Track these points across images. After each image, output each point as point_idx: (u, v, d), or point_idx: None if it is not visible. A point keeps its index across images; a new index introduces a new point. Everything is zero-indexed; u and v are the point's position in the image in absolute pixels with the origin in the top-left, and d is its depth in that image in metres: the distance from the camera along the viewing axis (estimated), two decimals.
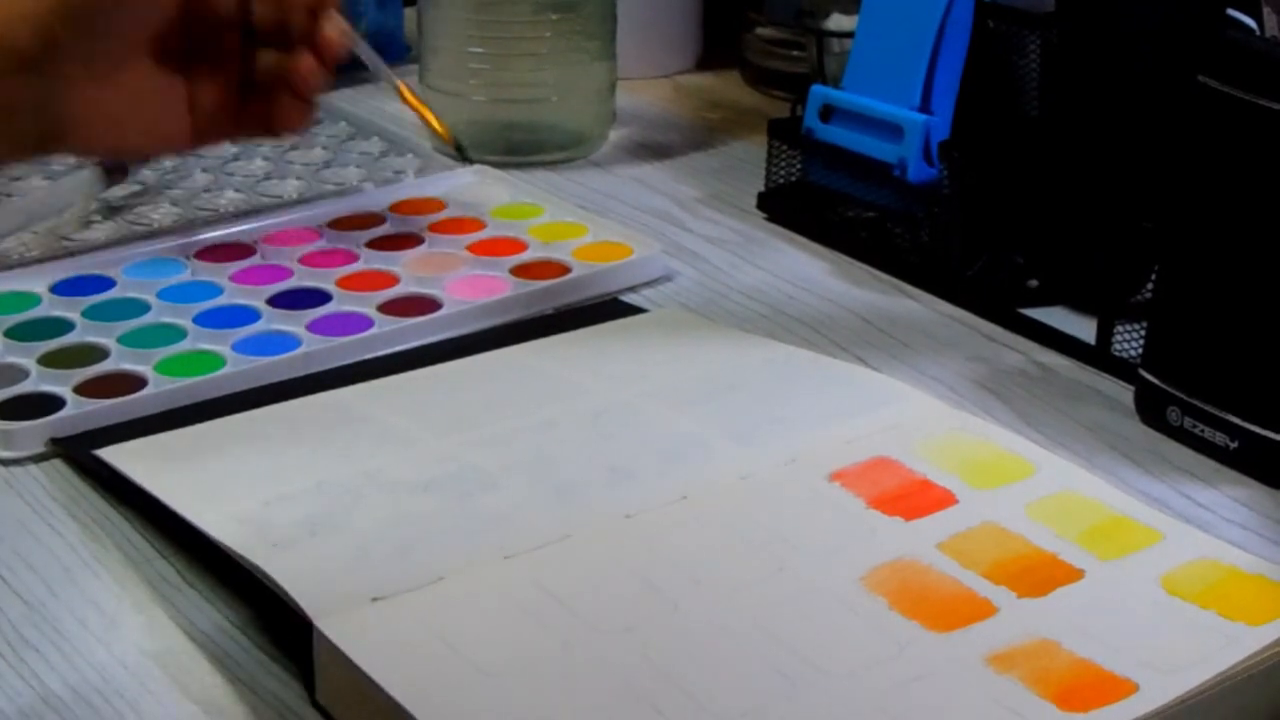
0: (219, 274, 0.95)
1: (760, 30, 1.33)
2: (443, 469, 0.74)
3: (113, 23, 0.82)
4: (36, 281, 0.94)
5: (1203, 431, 0.81)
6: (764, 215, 1.09)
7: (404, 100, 1.03)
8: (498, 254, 0.99)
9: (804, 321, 0.94)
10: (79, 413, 0.81)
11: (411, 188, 1.08)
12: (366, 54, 0.95)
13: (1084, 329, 0.91)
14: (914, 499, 0.73)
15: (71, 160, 1.11)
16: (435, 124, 1.00)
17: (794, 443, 0.77)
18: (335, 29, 0.89)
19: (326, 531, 0.69)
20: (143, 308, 0.92)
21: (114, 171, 1.05)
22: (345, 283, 0.95)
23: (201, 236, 1.00)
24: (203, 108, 0.88)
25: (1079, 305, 0.94)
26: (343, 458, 0.75)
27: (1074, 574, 0.68)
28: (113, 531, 0.74)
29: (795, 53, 1.29)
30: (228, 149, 1.14)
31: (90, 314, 0.91)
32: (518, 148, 1.16)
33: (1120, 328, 0.88)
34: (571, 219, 1.04)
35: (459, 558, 0.68)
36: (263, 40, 0.89)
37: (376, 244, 1.00)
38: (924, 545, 0.70)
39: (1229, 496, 0.78)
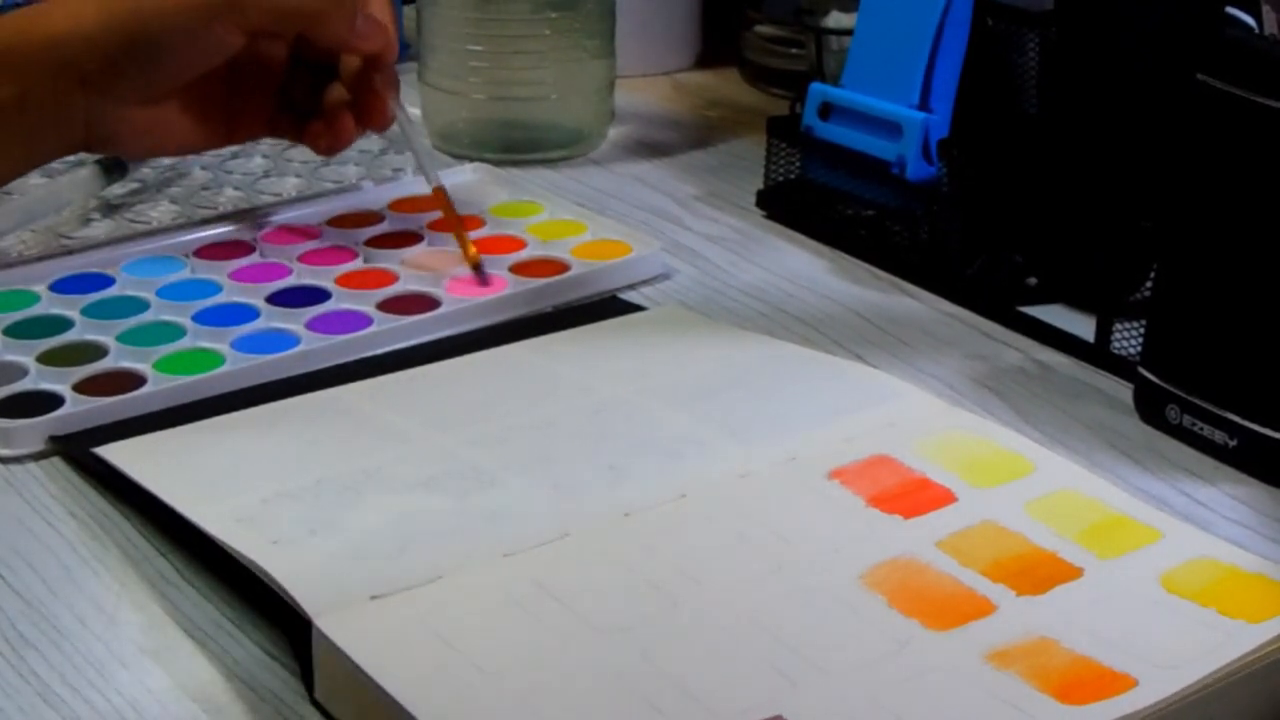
0: (218, 272, 0.95)
1: (759, 28, 1.33)
2: (442, 467, 0.74)
3: (174, 61, 0.86)
4: (35, 279, 0.94)
5: (1202, 429, 0.81)
6: (763, 213, 1.09)
7: (441, 206, 1.00)
8: (497, 252, 0.99)
9: (803, 319, 0.94)
10: (78, 411, 0.81)
11: (410, 186, 1.08)
12: (412, 135, 0.98)
13: (1083, 327, 0.91)
14: (913, 497, 0.73)
15: (71, 158, 1.11)
16: (465, 243, 0.97)
17: (793, 441, 0.77)
18: (383, 99, 0.94)
19: (325, 529, 0.69)
20: (142, 306, 0.92)
21: (113, 169, 1.05)
22: (344, 280, 0.95)
23: (200, 234, 1.00)
24: (240, 116, 0.94)
25: (1078, 303, 0.94)
26: (342, 455, 0.75)
27: (1073, 572, 0.68)
28: (111, 529, 0.74)
29: (794, 50, 1.29)
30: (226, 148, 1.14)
31: (89, 312, 0.91)
32: (517, 146, 1.16)
33: (1119, 326, 0.88)
34: (570, 217, 1.04)
35: (458, 556, 0.68)
36: (310, 70, 0.95)
37: (375, 242, 1.00)
38: (923, 543, 0.70)
39: (1228, 494, 0.78)
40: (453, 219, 0.98)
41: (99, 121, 0.87)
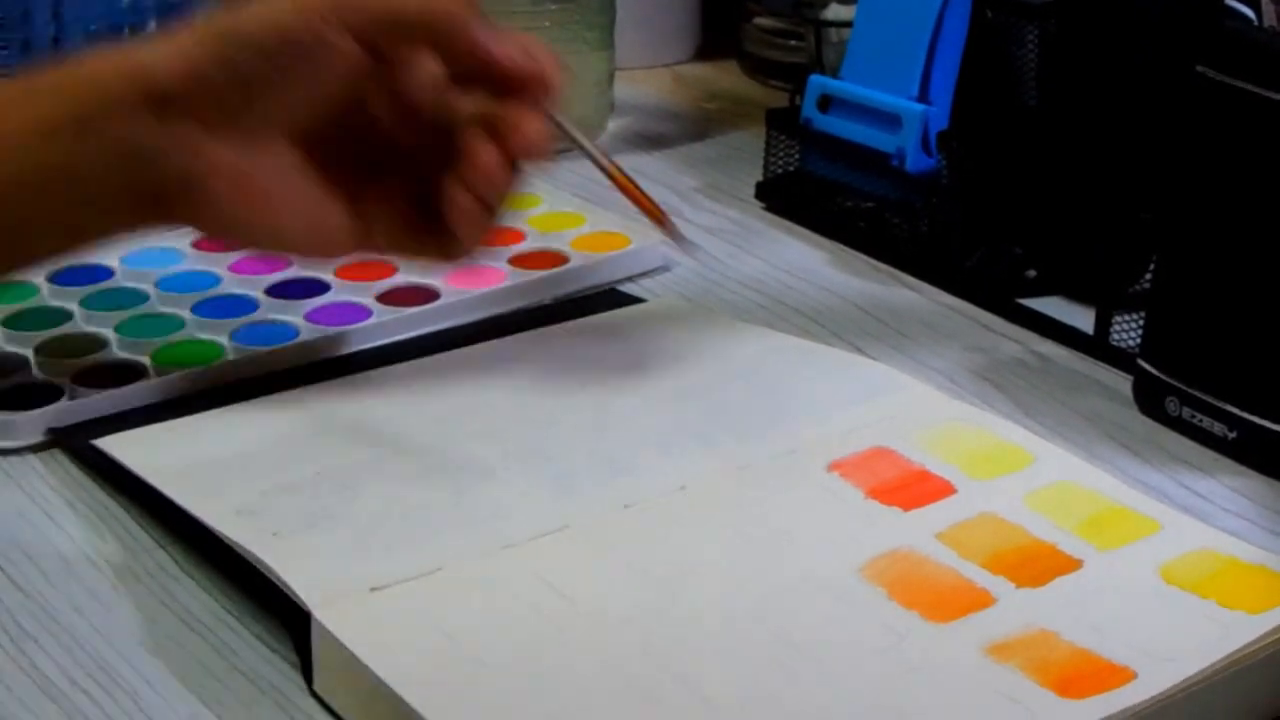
0: (217, 263, 0.95)
1: (759, 20, 1.33)
2: (441, 459, 0.74)
3: (275, 74, 0.73)
4: (35, 271, 0.94)
5: (1201, 421, 0.81)
6: (762, 205, 1.09)
7: (619, 186, 0.82)
8: (495, 244, 0.99)
9: (802, 311, 0.94)
10: (77, 402, 0.81)
11: None
12: (575, 136, 0.79)
13: (1082, 319, 0.91)
14: (912, 489, 0.73)
15: None
16: (653, 210, 0.82)
17: (792, 433, 0.77)
18: (536, 122, 0.75)
19: (325, 521, 0.69)
20: (141, 297, 0.92)
21: None
22: (343, 272, 0.94)
23: None
24: (368, 211, 0.78)
25: (1077, 295, 0.94)
26: (341, 448, 0.75)
27: (1072, 564, 0.68)
28: (111, 521, 0.74)
29: (793, 43, 1.29)
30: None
31: (88, 303, 0.90)
32: None
33: (1119, 318, 0.88)
34: (569, 209, 1.04)
35: (457, 548, 0.68)
36: (451, 125, 0.77)
37: None
38: (922, 535, 0.70)
39: (1227, 486, 0.78)
40: (636, 191, 0.82)
41: (173, 159, 0.72)
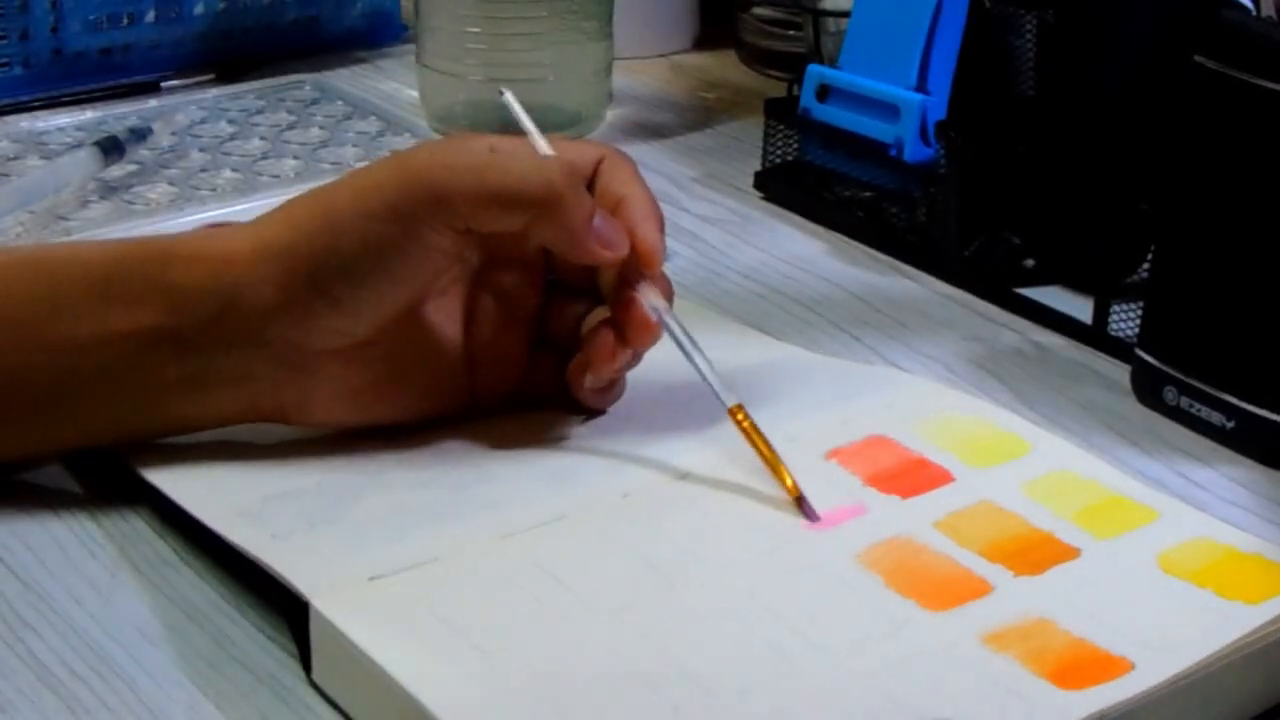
0: None
1: (757, 10, 1.33)
2: (442, 468, 0.74)
3: (378, 280, 0.71)
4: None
5: (1199, 411, 0.81)
6: (760, 195, 1.09)
7: (746, 436, 0.73)
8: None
9: (800, 301, 0.94)
10: None
11: None
12: (685, 343, 0.74)
13: (1080, 309, 0.91)
14: (910, 477, 0.73)
15: (68, 140, 1.11)
16: (785, 477, 0.71)
17: (791, 423, 0.76)
18: (643, 310, 0.73)
19: (326, 523, 0.69)
20: None
21: (111, 151, 1.05)
22: None
23: (199, 216, 1.00)
24: (484, 368, 0.76)
25: (1075, 285, 0.94)
26: (343, 457, 0.75)
27: (1070, 552, 0.68)
28: (109, 509, 0.74)
29: (792, 32, 1.29)
30: (224, 128, 1.14)
31: None
32: (514, 128, 1.16)
33: (1117, 307, 0.88)
34: None
35: (456, 537, 0.68)
36: (565, 287, 0.77)
37: None
38: (920, 523, 0.70)
39: (1225, 476, 0.78)
40: (765, 451, 0.73)
41: (282, 372, 0.72)
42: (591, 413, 0.78)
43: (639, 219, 0.74)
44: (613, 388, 0.77)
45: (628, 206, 0.74)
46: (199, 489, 0.72)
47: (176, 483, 0.72)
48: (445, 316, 0.75)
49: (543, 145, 0.77)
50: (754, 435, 0.72)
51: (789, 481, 0.71)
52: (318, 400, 0.73)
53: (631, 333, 0.74)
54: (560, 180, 0.72)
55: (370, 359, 0.73)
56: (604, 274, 0.75)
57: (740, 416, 0.73)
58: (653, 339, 0.74)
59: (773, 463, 0.72)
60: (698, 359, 0.74)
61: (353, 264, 0.70)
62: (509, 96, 0.81)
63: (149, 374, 0.71)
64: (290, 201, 0.73)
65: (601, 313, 0.75)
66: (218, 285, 0.70)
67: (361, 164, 1.08)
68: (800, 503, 0.70)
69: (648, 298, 0.74)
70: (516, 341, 0.77)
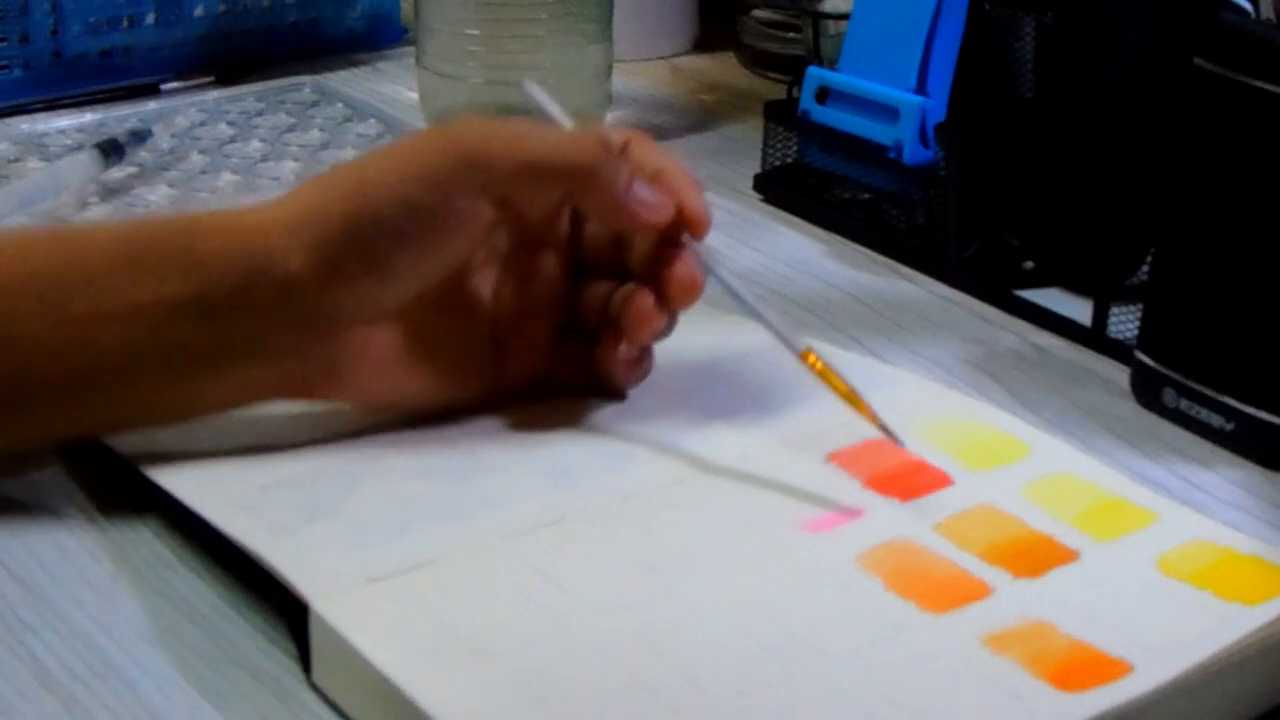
0: None
1: (756, 12, 1.33)
2: (438, 454, 0.74)
3: (411, 247, 0.70)
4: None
5: (1199, 413, 0.81)
6: (760, 197, 1.09)
7: (821, 376, 0.74)
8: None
9: (799, 303, 0.94)
10: None
11: None
12: (737, 290, 0.75)
13: (1080, 311, 0.91)
14: (910, 479, 0.73)
15: (68, 143, 1.11)
16: (865, 409, 0.72)
17: (791, 424, 0.77)
18: (688, 266, 0.73)
19: (324, 516, 0.69)
20: None
21: (111, 153, 1.05)
22: None
23: None
24: (511, 351, 0.76)
25: (1075, 287, 0.94)
26: (339, 444, 0.75)
27: (1069, 555, 0.68)
28: (109, 511, 0.74)
29: (791, 35, 1.29)
30: (224, 131, 1.14)
31: None
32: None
33: (1116, 309, 0.88)
34: None
35: (455, 539, 0.68)
36: (593, 271, 0.76)
37: None
38: (920, 526, 0.70)
39: (1225, 478, 0.78)
40: (842, 389, 0.73)
41: (310, 342, 0.71)
42: (615, 394, 0.77)
43: (682, 185, 0.74)
44: (643, 361, 0.77)
45: (668, 176, 0.74)
46: (194, 479, 0.72)
47: (172, 474, 0.72)
48: (474, 296, 0.75)
49: (570, 126, 0.78)
50: (829, 376, 0.73)
51: (869, 413, 0.72)
52: (345, 373, 0.73)
53: (675, 290, 0.73)
54: (597, 147, 0.72)
55: (398, 333, 0.73)
56: (637, 248, 0.75)
57: (813, 359, 0.73)
58: (695, 295, 0.74)
59: (852, 399, 0.72)
60: (761, 309, 0.74)
61: (389, 225, 0.69)
62: (534, 87, 0.81)
63: (175, 346, 0.70)
64: (321, 174, 0.73)
65: (632, 287, 0.75)
66: (246, 252, 0.70)
67: None
68: (885, 431, 0.72)
69: (697, 252, 0.74)
70: (543, 326, 0.76)
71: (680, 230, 0.74)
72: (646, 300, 0.74)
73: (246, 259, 0.70)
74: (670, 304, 0.74)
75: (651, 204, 0.72)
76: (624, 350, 0.75)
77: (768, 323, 0.74)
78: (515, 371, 0.76)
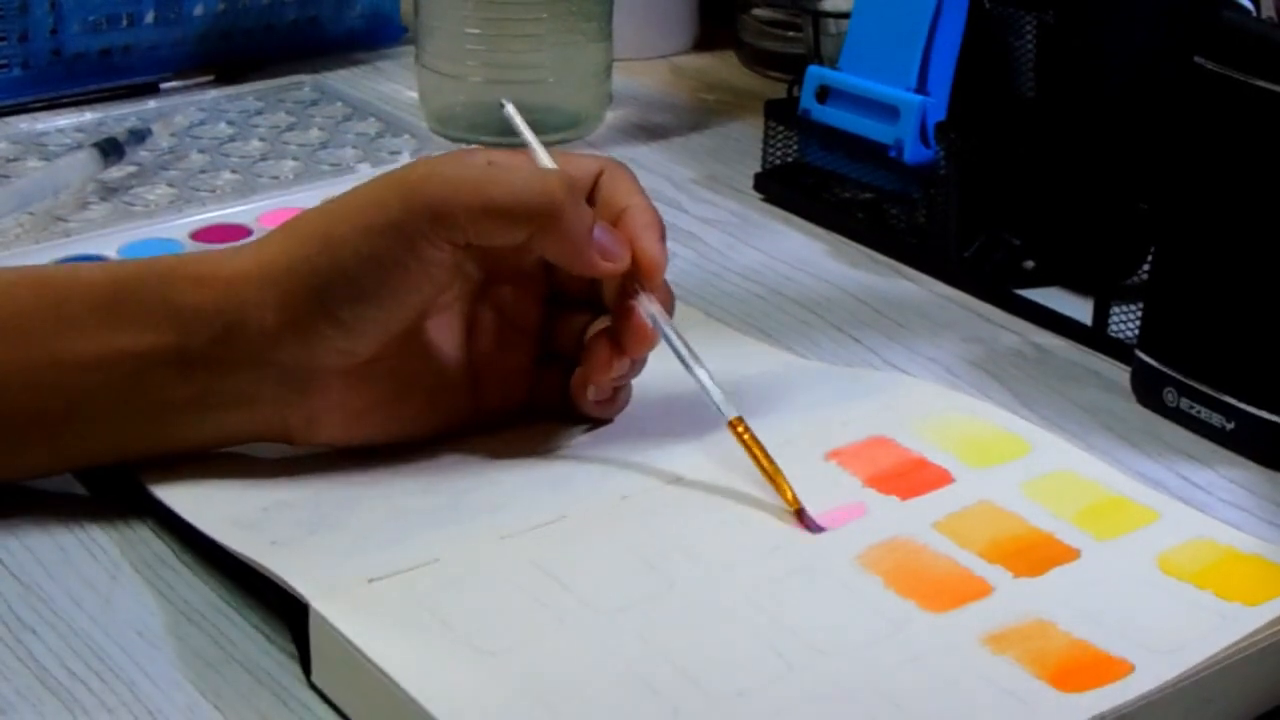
0: None
1: (757, 11, 1.33)
2: (440, 475, 0.73)
3: (378, 298, 0.71)
4: (34, 263, 0.94)
5: (1199, 412, 0.81)
6: (760, 196, 1.09)
7: (747, 449, 0.72)
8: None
9: (800, 302, 0.94)
10: None
11: None
12: (684, 354, 0.74)
13: (1080, 310, 0.91)
14: (910, 478, 0.73)
15: (67, 142, 1.11)
16: (786, 491, 0.71)
17: (790, 424, 0.77)
18: (641, 318, 0.73)
19: (325, 530, 0.69)
20: None
21: (110, 152, 1.05)
22: None
23: (198, 217, 1.00)
24: (489, 383, 0.76)
25: (1075, 286, 0.94)
26: (341, 468, 0.74)
27: (1070, 553, 0.68)
28: (108, 511, 0.74)
29: (791, 34, 1.29)
30: (223, 130, 1.14)
31: None
32: (516, 136, 1.16)
33: (1117, 309, 0.88)
34: None
35: (455, 539, 0.68)
36: (569, 300, 0.77)
37: None
38: (920, 524, 0.70)
39: (1225, 478, 0.78)
40: (766, 463, 0.72)
41: (287, 393, 0.72)
42: (597, 423, 0.77)
43: (640, 230, 0.74)
44: (617, 398, 0.77)
45: (629, 217, 0.74)
46: (198, 499, 0.71)
47: (176, 493, 0.72)
48: (448, 332, 0.75)
49: (543, 157, 0.77)
50: (754, 448, 0.72)
51: (789, 495, 0.70)
52: (323, 420, 0.73)
53: (628, 341, 0.73)
54: (560, 192, 0.71)
55: (374, 377, 0.73)
56: (607, 284, 0.75)
57: (741, 429, 0.72)
58: (648, 347, 0.74)
59: (773, 475, 0.71)
60: (698, 371, 0.74)
61: (355, 281, 0.70)
62: (510, 109, 0.81)
63: (154, 393, 0.71)
64: (291, 220, 0.73)
65: (603, 322, 0.75)
66: (223, 306, 0.70)
67: (361, 164, 1.09)
68: (800, 515, 0.70)
69: (645, 307, 0.73)
70: (520, 356, 0.77)
71: (638, 277, 0.74)
72: (605, 348, 0.74)
73: (222, 313, 0.70)
74: (627, 352, 0.74)
75: (610, 252, 0.73)
76: (592, 392, 0.76)
77: (702, 384, 0.73)
78: (494, 402, 0.76)
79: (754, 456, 0.72)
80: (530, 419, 0.78)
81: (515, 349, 0.76)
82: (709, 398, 0.73)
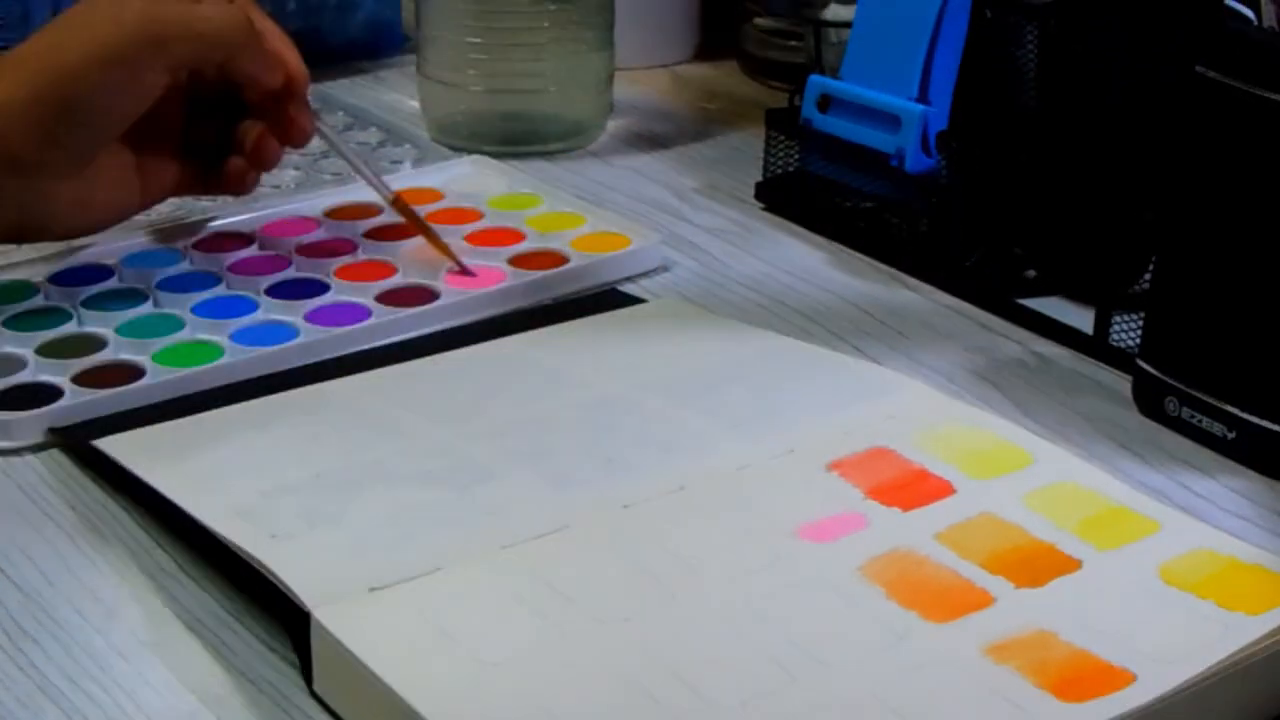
0: (217, 264, 0.95)
1: (758, 21, 1.33)
2: (440, 461, 0.74)
3: (107, 117, 0.87)
4: (35, 272, 0.94)
5: (1200, 422, 0.81)
6: (762, 205, 1.09)
7: (402, 211, 0.99)
8: (495, 244, 0.99)
9: (802, 312, 0.94)
10: (77, 402, 0.81)
11: (409, 178, 1.08)
12: (338, 144, 0.99)
13: (1082, 319, 0.91)
14: (912, 489, 0.73)
15: None
16: (437, 243, 0.98)
17: (792, 433, 0.77)
18: (304, 114, 0.94)
19: (325, 523, 0.69)
20: (141, 297, 0.91)
21: None
22: (343, 273, 0.95)
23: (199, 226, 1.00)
24: (149, 173, 0.93)
25: (1077, 296, 0.94)
26: (341, 449, 0.75)
27: (1071, 564, 0.68)
28: (110, 521, 0.74)
29: (793, 43, 1.29)
30: None
31: (89, 304, 0.90)
32: (515, 138, 1.16)
33: (1118, 318, 0.88)
34: (569, 209, 1.04)
35: (456, 548, 0.68)
36: (208, 104, 0.94)
37: (374, 234, 1.00)
38: (922, 535, 0.70)
39: (1227, 487, 0.78)
40: (416, 223, 0.98)
41: (32, 204, 0.87)
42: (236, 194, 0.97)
43: (284, 48, 0.92)
44: (257, 182, 0.97)
45: (272, 36, 0.92)
46: (193, 484, 0.72)
47: (171, 480, 0.72)
48: (127, 136, 0.90)
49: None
50: (414, 218, 0.97)
51: (445, 249, 0.96)
52: (51, 220, 0.89)
53: (294, 137, 0.94)
54: (248, 23, 0.89)
55: (94, 185, 0.89)
56: (252, 93, 0.92)
57: (402, 205, 0.97)
58: (307, 142, 0.96)
59: (433, 239, 0.96)
60: (352, 156, 0.99)
61: (87, 108, 0.85)
62: None
63: None
64: (16, 54, 0.86)
65: (256, 125, 0.93)
66: None
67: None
68: (461, 267, 0.95)
69: (305, 115, 0.94)
70: (170, 149, 0.94)
71: (292, 87, 0.93)
72: (273, 144, 0.94)
73: None
74: (290, 143, 0.95)
75: (275, 69, 0.91)
76: (253, 178, 0.95)
77: (361, 170, 0.98)
78: (154, 185, 0.93)
79: (417, 227, 0.97)
80: (530, 405, 0.79)
81: (167, 143, 0.93)
82: (365, 176, 0.98)
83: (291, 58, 0.93)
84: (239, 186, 0.96)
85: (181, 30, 0.86)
